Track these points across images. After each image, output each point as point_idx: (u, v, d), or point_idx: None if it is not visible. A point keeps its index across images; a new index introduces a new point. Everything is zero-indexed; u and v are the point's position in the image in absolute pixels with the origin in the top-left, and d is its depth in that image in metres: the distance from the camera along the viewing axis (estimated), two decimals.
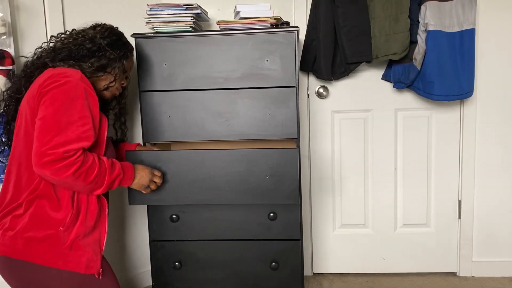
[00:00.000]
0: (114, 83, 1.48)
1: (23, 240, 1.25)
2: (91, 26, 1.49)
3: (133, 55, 1.59)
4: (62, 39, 1.44)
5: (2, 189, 1.35)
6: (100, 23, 1.51)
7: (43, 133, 1.20)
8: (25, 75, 1.39)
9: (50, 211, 1.28)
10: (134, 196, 1.65)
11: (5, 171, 1.36)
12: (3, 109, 1.46)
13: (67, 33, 1.47)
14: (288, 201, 1.63)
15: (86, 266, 1.31)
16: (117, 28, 1.53)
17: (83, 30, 1.47)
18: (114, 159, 1.37)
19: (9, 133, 1.45)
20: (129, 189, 1.57)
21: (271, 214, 1.80)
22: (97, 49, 1.41)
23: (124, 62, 1.48)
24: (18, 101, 1.39)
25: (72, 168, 1.20)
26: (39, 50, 1.44)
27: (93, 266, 1.33)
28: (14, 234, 1.25)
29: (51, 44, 1.44)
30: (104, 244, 1.38)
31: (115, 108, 1.69)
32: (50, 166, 1.19)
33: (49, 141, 1.19)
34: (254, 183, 1.62)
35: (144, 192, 1.54)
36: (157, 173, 1.55)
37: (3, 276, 1.30)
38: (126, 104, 1.71)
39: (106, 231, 1.39)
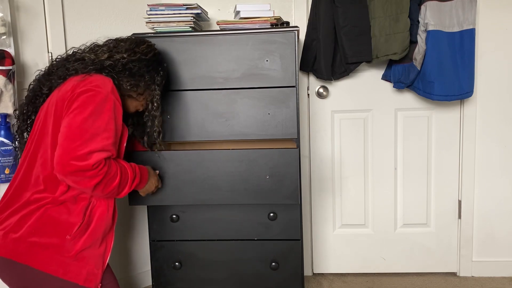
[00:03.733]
0: (142, 107, 1.53)
1: (26, 244, 1.23)
2: (134, 40, 1.50)
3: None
4: (106, 48, 1.44)
5: (11, 187, 1.32)
6: (142, 39, 1.53)
7: (68, 141, 1.19)
8: (64, 72, 1.37)
9: (59, 218, 1.26)
10: (134, 196, 1.65)
11: (17, 169, 1.34)
12: (26, 103, 1.43)
13: (107, 42, 1.48)
14: (288, 201, 1.63)
15: (85, 279, 1.29)
16: (157, 50, 1.55)
17: (130, 45, 1.46)
18: (134, 166, 1.40)
19: (28, 128, 1.44)
20: None
21: (271, 214, 1.80)
22: (138, 73, 1.43)
23: (158, 88, 1.51)
24: (47, 96, 1.38)
25: (94, 180, 1.21)
26: (79, 51, 1.44)
27: (92, 279, 1.31)
28: (18, 237, 1.23)
29: (95, 50, 1.44)
30: (108, 259, 1.37)
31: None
32: (73, 176, 1.19)
33: (74, 150, 1.19)
34: (254, 183, 1.63)
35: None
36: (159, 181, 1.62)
37: (3, 277, 1.29)
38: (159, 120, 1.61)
39: (111, 246, 1.38)
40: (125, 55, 1.42)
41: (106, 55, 1.40)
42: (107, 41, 1.49)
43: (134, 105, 1.51)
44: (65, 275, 1.26)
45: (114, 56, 1.41)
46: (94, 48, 1.45)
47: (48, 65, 1.47)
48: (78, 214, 1.29)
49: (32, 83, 1.44)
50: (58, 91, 1.32)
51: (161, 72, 1.52)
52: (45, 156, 1.27)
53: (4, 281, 1.29)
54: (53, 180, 1.26)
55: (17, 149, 1.50)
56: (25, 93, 1.46)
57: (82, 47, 1.47)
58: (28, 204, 1.26)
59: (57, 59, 1.44)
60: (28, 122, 1.44)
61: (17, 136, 1.47)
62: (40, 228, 1.24)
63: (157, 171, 1.64)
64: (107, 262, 1.37)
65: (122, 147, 1.39)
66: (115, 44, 1.47)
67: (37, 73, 1.46)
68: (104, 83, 1.30)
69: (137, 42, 1.49)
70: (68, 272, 1.26)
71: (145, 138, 1.63)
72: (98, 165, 1.21)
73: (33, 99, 1.41)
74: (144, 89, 1.48)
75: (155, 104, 1.53)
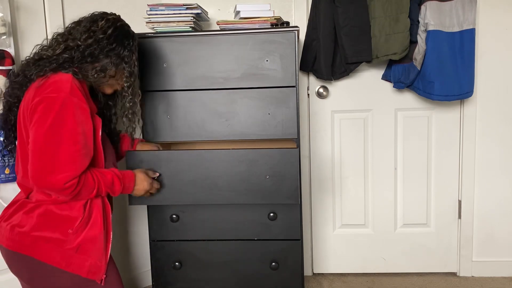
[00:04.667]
0: (119, 86, 1.46)
1: (31, 238, 1.27)
2: (92, 17, 1.38)
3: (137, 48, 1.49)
4: (62, 38, 1.35)
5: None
6: (101, 14, 1.40)
7: (36, 158, 1.19)
8: (24, 80, 1.32)
9: (61, 213, 1.29)
10: (134, 197, 1.65)
11: (15, 170, 1.38)
12: (6, 110, 1.39)
13: (68, 28, 1.37)
14: (288, 201, 1.63)
15: (88, 271, 1.32)
16: (120, 19, 1.43)
17: (85, 26, 1.35)
18: (115, 174, 1.35)
19: (14, 131, 1.41)
20: None
21: (271, 214, 1.80)
22: (101, 54, 1.33)
23: (127, 65, 1.41)
24: (19, 103, 1.34)
25: (69, 197, 1.24)
26: (39, 50, 1.37)
27: (96, 271, 1.33)
28: (24, 231, 1.27)
29: (52, 44, 1.35)
30: (110, 251, 1.39)
31: (118, 105, 1.56)
32: (50, 191, 1.23)
33: (42, 166, 1.19)
34: (254, 183, 1.62)
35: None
36: (155, 181, 1.56)
37: (13, 269, 1.33)
38: (130, 101, 1.51)
39: (111, 238, 1.40)
40: (80, 41, 1.31)
41: (62, 47, 1.31)
42: (66, 27, 1.39)
43: (110, 86, 1.44)
44: (67, 267, 1.29)
45: (70, 45, 1.31)
46: (52, 41, 1.36)
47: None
48: (79, 209, 1.31)
49: (7, 89, 1.39)
50: (24, 100, 1.29)
51: (128, 46, 1.39)
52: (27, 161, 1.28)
53: (15, 273, 1.33)
54: None
55: (7, 155, 1.51)
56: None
57: (45, 41, 1.39)
58: (32, 201, 1.31)
59: (22, 62, 1.38)
60: (13, 128, 1.40)
61: (6, 142, 1.44)
62: (43, 223, 1.28)
63: (157, 174, 1.59)
64: (109, 254, 1.38)
65: (98, 139, 1.34)
66: (70, 30, 1.36)
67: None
68: (60, 86, 1.23)
69: (94, 20, 1.36)
70: (70, 264, 1.29)
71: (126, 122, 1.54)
72: (70, 185, 1.20)
73: (11, 107, 1.37)
74: (114, 71, 1.37)
75: (126, 84, 1.43)
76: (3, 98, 1.42)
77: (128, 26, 1.45)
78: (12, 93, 1.35)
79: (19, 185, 1.36)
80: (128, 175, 1.43)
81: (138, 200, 1.66)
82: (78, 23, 1.38)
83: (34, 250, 1.27)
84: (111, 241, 1.39)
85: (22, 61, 1.39)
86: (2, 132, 1.62)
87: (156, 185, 1.57)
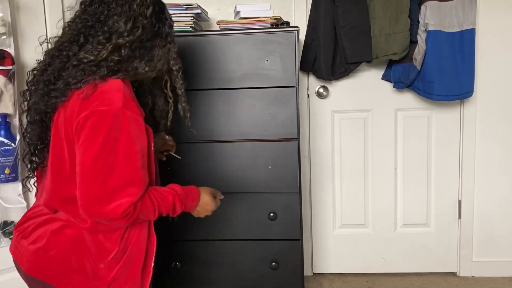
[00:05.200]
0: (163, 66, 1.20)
1: (57, 264, 1.08)
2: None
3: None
4: (103, 35, 1.07)
5: (37, 193, 1.19)
6: None
7: (85, 184, 1.00)
8: (65, 88, 1.06)
9: (94, 242, 1.09)
10: None
11: (37, 186, 1.20)
12: (34, 122, 1.13)
13: (103, 16, 1.08)
14: (289, 190, 1.72)
15: None
16: None
17: (124, 12, 1.06)
18: (177, 194, 1.15)
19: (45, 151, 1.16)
20: None
21: (271, 214, 1.80)
22: (147, 41, 1.11)
23: (172, 41, 1.19)
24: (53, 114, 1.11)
25: (125, 225, 1.08)
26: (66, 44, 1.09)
27: None
28: (50, 257, 1.08)
29: (92, 43, 1.07)
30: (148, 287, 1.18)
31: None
32: (101, 221, 1.04)
33: (94, 193, 0.99)
34: (257, 173, 1.70)
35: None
36: (219, 196, 1.34)
37: None
38: (182, 86, 1.28)
39: (151, 274, 1.18)
40: (127, 36, 1.06)
41: (109, 47, 1.05)
42: (94, 14, 1.08)
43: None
44: None
45: (120, 43, 1.06)
46: (86, 35, 1.08)
47: (35, 72, 1.14)
48: (116, 240, 1.10)
49: (35, 98, 1.12)
50: (64, 110, 1.06)
51: (167, 21, 1.16)
52: (65, 188, 1.08)
53: None
54: (79, 214, 1.06)
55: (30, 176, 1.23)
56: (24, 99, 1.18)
57: (66, 37, 1.10)
58: (62, 219, 1.10)
59: (48, 60, 1.12)
60: (44, 144, 1.15)
61: (38, 160, 1.18)
62: (74, 250, 1.08)
63: (222, 196, 1.37)
64: None
65: (151, 152, 1.13)
66: (106, 16, 1.07)
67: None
68: (111, 97, 1.02)
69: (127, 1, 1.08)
70: None
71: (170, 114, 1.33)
72: (127, 213, 1.01)
73: (43, 118, 1.12)
74: (161, 54, 1.15)
75: (175, 67, 1.21)
76: (26, 107, 1.17)
77: (163, 3, 1.19)
78: (48, 103, 1.08)
79: (44, 206, 1.13)
80: (192, 196, 1.21)
81: None
82: (106, 6, 1.08)
83: (58, 280, 1.08)
84: (150, 277, 1.17)
85: (45, 56, 1.12)
86: (2, 132, 1.61)
87: (218, 202, 1.33)
